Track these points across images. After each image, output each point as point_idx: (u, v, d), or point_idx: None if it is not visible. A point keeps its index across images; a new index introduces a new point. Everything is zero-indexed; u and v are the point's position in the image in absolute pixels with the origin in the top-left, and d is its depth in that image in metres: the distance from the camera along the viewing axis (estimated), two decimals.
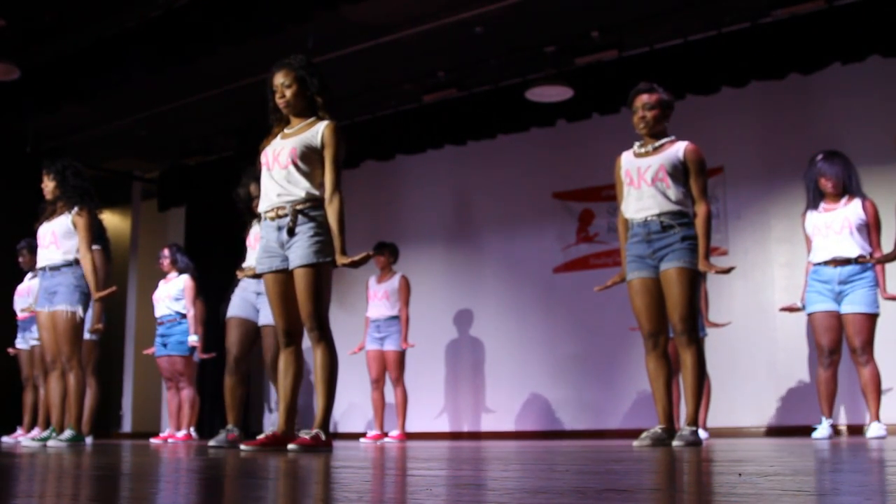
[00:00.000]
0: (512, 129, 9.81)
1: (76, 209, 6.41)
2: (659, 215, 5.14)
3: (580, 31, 8.46)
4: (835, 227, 6.53)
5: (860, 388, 6.56)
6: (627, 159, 5.36)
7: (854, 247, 6.47)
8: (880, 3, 7.46)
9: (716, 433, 8.26)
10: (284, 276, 4.75)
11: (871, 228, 6.50)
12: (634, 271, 5.25)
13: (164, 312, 8.75)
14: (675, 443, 4.95)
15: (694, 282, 5.12)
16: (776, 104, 8.79)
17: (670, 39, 8.58)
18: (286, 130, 4.84)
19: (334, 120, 4.82)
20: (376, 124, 10.06)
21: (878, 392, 6.44)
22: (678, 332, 5.11)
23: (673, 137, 5.31)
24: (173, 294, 8.71)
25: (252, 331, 6.35)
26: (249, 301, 6.36)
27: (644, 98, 5.31)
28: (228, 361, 6.29)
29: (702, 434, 7.57)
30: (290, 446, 4.53)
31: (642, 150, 5.30)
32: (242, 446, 4.71)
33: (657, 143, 5.27)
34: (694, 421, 5.08)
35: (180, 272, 8.80)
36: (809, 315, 6.66)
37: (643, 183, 5.19)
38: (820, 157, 6.69)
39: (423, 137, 10.22)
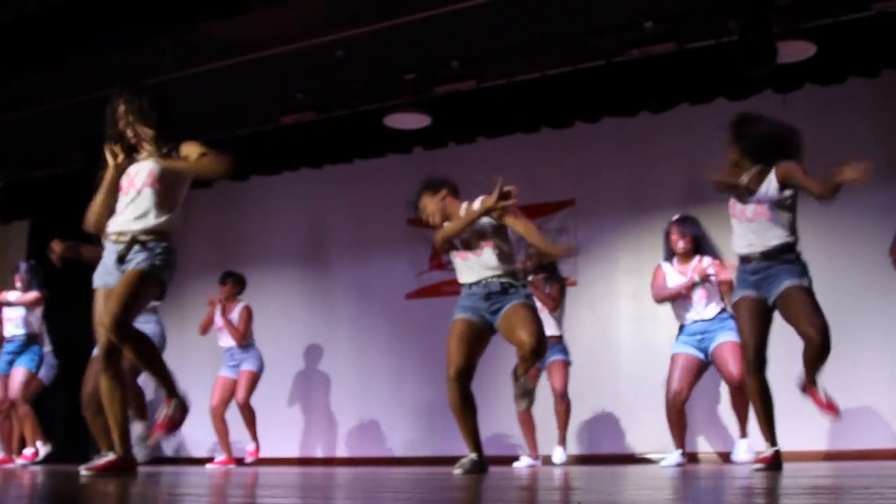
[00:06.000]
0: (369, 155, 9.81)
1: None
2: None
3: (440, 60, 8.54)
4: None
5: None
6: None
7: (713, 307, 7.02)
8: (727, 49, 7.77)
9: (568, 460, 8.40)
10: None
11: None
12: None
13: (13, 332, 8.56)
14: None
15: None
16: (627, 141, 9.01)
17: (528, 73, 8.73)
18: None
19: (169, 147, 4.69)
20: (232, 144, 9.88)
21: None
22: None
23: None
24: (22, 314, 8.53)
25: None
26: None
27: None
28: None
29: (560, 456, 7.78)
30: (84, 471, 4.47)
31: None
32: (83, 471, 4.57)
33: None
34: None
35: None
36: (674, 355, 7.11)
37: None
38: (674, 218, 7.22)
39: (280, 159, 10.12)
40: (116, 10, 7.46)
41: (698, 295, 7.01)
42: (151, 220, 4.60)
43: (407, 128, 9.17)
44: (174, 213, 4.68)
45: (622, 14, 7.75)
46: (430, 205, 5.66)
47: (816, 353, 5.03)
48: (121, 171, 4.69)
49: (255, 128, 10.00)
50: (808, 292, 5.03)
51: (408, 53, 8.48)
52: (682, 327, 7.12)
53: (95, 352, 6.25)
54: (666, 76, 8.22)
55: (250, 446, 8.77)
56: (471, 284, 5.48)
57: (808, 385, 5.18)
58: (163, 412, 4.60)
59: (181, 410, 4.62)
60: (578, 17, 7.82)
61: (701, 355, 7.00)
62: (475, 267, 5.46)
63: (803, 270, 5.07)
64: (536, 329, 5.28)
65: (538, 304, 7.27)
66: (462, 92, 8.71)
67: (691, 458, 8.13)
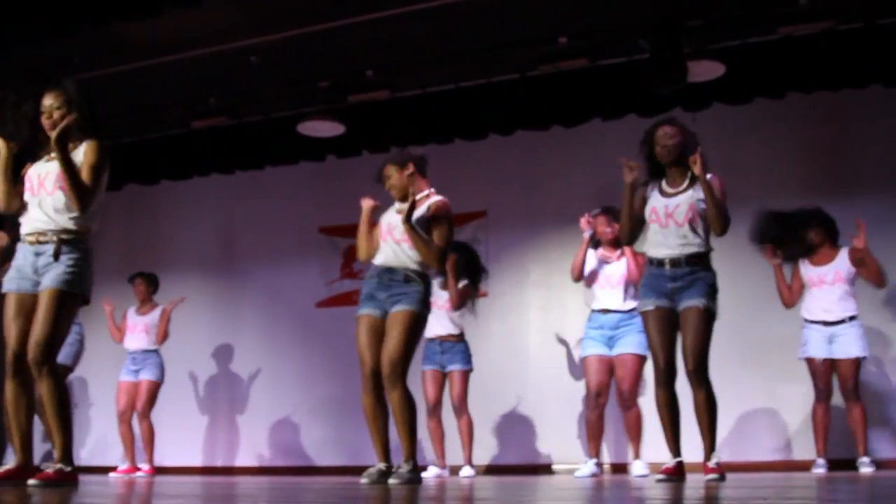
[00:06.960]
0: (281, 161, 9.76)
1: None
2: None
3: (354, 68, 8.52)
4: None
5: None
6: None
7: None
8: (638, 66, 7.90)
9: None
10: (30, 299, 4.50)
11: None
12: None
13: None
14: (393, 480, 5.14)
15: None
16: (540, 154, 9.10)
17: (442, 84, 8.77)
18: (52, 154, 4.59)
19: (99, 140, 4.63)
20: (142, 147, 9.76)
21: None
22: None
23: None
24: None
25: None
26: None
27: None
28: None
29: (437, 470, 7.73)
30: (31, 481, 4.27)
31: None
32: None
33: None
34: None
35: None
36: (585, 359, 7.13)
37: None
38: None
39: (190, 164, 10.01)
40: (25, 8, 7.29)
41: (615, 279, 7.02)
42: (67, 221, 4.51)
43: (320, 135, 9.14)
44: (90, 212, 4.59)
45: (537, 29, 7.83)
46: (395, 177, 5.50)
47: (701, 405, 5.12)
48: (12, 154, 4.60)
49: (166, 132, 9.87)
50: (709, 319, 5.15)
51: (322, 61, 8.45)
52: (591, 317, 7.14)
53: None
54: (578, 91, 8.34)
55: (145, 466, 8.59)
56: (378, 267, 5.38)
57: (707, 458, 5.16)
58: (53, 465, 4.35)
59: (72, 478, 4.36)
60: (493, 30, 7.88)
61: (608, 352, 7.01)
62: (391, 253, 5.36)
63: (713, 289, 5.16)
64: (396, 349, 5.20)
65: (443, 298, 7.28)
66: (376, 101, 8.71)
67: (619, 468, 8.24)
